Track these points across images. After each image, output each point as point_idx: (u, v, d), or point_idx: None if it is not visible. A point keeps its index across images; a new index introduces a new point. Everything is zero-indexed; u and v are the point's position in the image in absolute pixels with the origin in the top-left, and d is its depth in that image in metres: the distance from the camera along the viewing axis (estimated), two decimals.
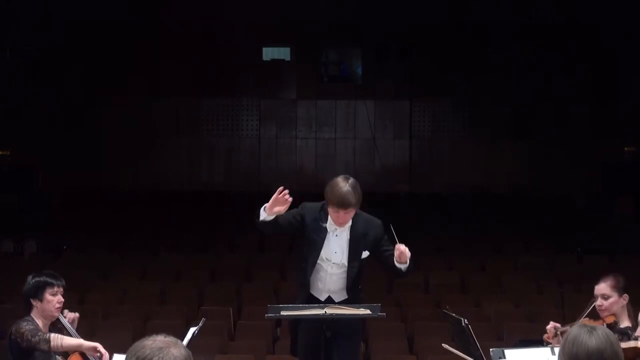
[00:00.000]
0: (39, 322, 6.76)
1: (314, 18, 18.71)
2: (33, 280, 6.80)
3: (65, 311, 7.02)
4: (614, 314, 6.81)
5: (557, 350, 6.11)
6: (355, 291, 7.13)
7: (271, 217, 6.75)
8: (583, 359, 3.77)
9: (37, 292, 6.75)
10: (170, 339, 3.46)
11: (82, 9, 18.42)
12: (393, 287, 13.69)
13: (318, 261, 7.00)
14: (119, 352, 6.99)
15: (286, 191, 6.70)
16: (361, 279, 7.24)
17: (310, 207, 7.07)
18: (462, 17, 18.72)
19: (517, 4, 18.53)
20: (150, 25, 18.77)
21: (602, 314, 6.85)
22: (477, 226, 17.02)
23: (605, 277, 6.94)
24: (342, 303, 7.00)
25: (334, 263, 7.03)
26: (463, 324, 6.49)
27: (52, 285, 6.76)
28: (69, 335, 6.86)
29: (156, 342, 3.45)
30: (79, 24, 18.60)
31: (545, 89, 18.97)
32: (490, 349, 6.43)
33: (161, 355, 3.40)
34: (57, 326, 6.94)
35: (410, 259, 6.92)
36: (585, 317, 6.81)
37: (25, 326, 6.66)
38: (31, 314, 6.78)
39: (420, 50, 19.06)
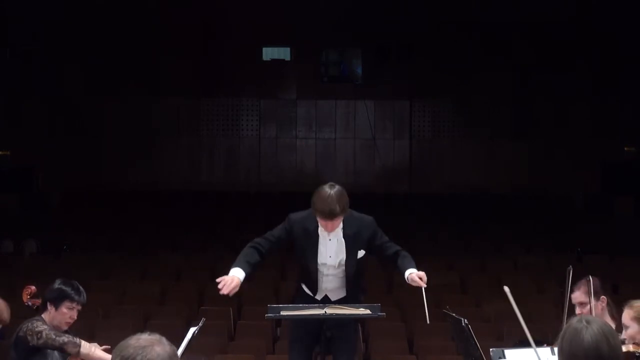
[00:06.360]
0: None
1: (314, 18, 18.71)
2: (58, 287, 6.71)
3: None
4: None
5: (557, 349, 6.10)
6: (354, 289, 7.12)
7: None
8: (581, 357, 3.74)
9: (56, 299, 6.65)
10: (154, 336, 3.45)
11: (82, 9, 18.42)
12: (393, 287, 13.68)
13: (316, 267, 7.03)
14: None
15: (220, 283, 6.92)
16: (362, 279, 7.25)
17: (296, 219, 7.06)
18: (462, 17, 18.72)
19: (517, 4, 18.52)
20: (150, 25, 18.77)
21: None
22: (477, 226, 17.01)
23: (579, 284, 6.77)
24: (341, 301, 7.02)
25: (329, 265, 7.04)
26: (463, 324, 6.48)
27: (72, 299, 6.67)
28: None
29: (140, 340, 3.44)
30: (78, 24, 18.60)
31: (545, 89, 18.97)
32: (490, 349, 6.41)
33: (144, 353, 3.39)
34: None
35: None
36: None
37: (41, 326, 6.56)
38: (42, 315, 6.68)
39: (420, 50, 19.06)
